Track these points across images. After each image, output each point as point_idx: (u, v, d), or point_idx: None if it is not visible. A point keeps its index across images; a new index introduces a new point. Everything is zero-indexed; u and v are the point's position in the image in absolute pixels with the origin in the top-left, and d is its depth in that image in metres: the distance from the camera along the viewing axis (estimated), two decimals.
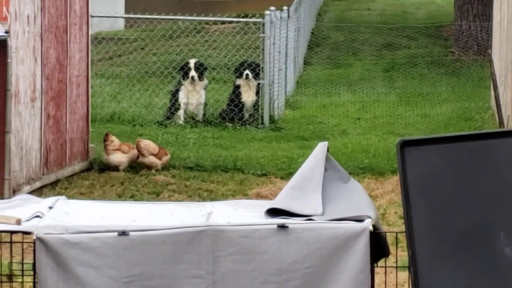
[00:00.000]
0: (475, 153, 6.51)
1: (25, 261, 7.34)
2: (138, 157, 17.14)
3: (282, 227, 6.21)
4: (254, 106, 22.54)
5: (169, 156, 17.15)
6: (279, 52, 24.27)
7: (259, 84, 22.63)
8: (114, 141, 17.11)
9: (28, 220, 6.57)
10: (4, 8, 14.04)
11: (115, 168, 16.63)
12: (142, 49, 30.82)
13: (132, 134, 19.28)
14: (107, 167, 16.78)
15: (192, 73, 22.37)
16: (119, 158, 16.76)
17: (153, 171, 16.85)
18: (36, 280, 6.36)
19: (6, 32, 13.79)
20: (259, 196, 10.91)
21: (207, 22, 28.61)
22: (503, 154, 6.48)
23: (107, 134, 17.50)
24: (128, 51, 30.69)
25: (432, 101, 24.36)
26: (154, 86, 25.68)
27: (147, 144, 17.10)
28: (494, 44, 21.55)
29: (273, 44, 23.41)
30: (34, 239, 6.20)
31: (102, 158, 17.47)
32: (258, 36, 24.48)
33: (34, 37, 15.44)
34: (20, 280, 8.11)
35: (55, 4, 16.37)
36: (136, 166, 16.33)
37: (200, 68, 22.63)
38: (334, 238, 6.19)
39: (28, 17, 15.12)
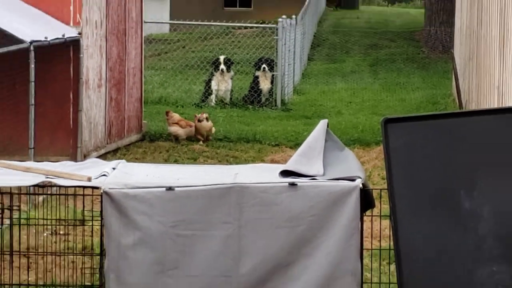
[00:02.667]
0: (441, 129, 6.52)
1: (94, 209, 7.44)
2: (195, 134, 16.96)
3: (292, 184, 6.28)
4: (269, 92, 22.67)
5: (192, 128, 16.81)
6: (289, 50, 24.58)
7: (273, 75, 22.71)
8: (174, 116, 16.98)
9: (97, 178, 6.69)
10: (78, 15, 14.11)
11: (174, 139, 16.59)
12: (183, 47, 31.27)
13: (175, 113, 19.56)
14: (162, 138, 16.83)
15: (222, 66, 22.45)
16: (176, 130, 16.66)
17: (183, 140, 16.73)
18: (102, 224, 6.50)
19: (79, 33, 13.89)
20: (273, 161, 10.88)
21: (233, 27, 28.89)
22: (461, 130, 6.51)
23: (167, 112, 17.45)
24: (172, 49, 31.18)
25: (407, 89, 24.75)
26: (192, 76, 25.80)
27: (173, 116, 17.07)
28: (455, 45, 21.94)
29: (284, 44, 23.65)
30: (101, 193, 6.31)
31: (156, 131, 17.53)
32: (272, 38, 24.62)
33: (100, 38, 15.56)
34: (90, 224, 8.23)
35: (117, 12, 16.49)
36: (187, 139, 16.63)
37: (228, 63, 22.74)
38: (332, 193, 6.25)
39: (96, 22, 15.20)
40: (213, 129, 16.98)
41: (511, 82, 10.77)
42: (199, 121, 16.72)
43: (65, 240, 8.96)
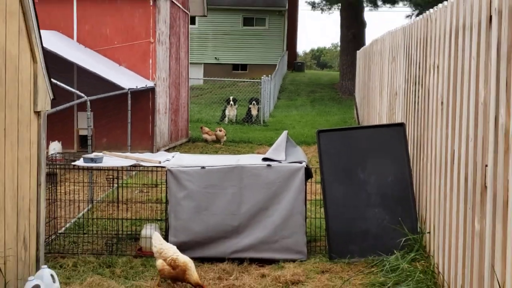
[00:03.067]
0: (347, 135, 7.67)
1: (162, 179, 8.42)
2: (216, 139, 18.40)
3: (268, 165, 7.16)
4: (256, 116, 24.25)
5: (214, 136, 18.25)
6: (267, 94, 26.31)
7: (258, 107, 24.58)
8: (205, 129, 18.36)
9: (164, 161, 7.51)
10: (154, 74, 14.93)
11: (205, 141, 18.35)
12: (210, 92, 32.64)
13: (200, 124, 20.88)
14: (199, 141, 18.61)
15: (231, 101, 24.27)
16: (206, 137, 18.05)
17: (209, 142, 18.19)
18: (166, 187, 7.23)
19: (154, 84, 14.87)
20: (259, 153, 10.05)
21: (237, 81, 30.74)
22: (358, 136, 7.69)
23: (201, 127, 19.16)
24: (204, 93, 33.08)
25: (330, 114, 26.29)
26: (215, 107, 27.50)
27: (204, 128, 18.45)
28: (356, 91, 22.06)
29: (265, 90, 25.84)
30: (166, 170, 7.17)
31: (196, 137, 19.20)
32: (258, 87, 26.30)
33: (165, 87, 16.47)
34: (160, 186, 9.22)
35: (174, 73, 17.45)
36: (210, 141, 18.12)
37: (234, 100, 24.44)
38: (290, 170, 7.12)
39: (163, 78, 16.03)
40: (225, 137, 18.25)
41: (384, 111, 11.46)
42: (219, 131, 18.16)
43: (147, 195, 10.05)
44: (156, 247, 6.35)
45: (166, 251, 6.25)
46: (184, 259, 6.16)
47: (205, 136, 18.30)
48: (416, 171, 7.47)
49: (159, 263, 6.23)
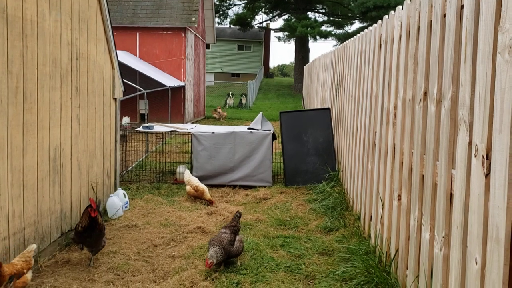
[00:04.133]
0: (297, 115, 7.36)
1: (188, 140, 8.43)
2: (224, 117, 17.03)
3: (251, 132, 6.98)
4: (245, 103, 23.31)
5: (221, 115, 17.09)
6: (251, 91, 25.34)
7: (246, 98, 23.63)
8: (218, 109, 17.41)
9: (190, 129, 7.41)
10: (184, 77, 14.73)
11: (215, 119, 17.03)
12: (218, 89, 31.15)
13: (213, 107, 20.24)
14: (211, 118, 17.54)
15: (230, 95, 23.70)
16: (215, 115, 17.10)
17: (219, 118, 17.30)
18: (191, 144, 7.02)
19: (184, 84, 14.54)
20: (246, 125, 10.93)
21: (233, 83, 30.28)
22: (303, 115, 7.36)
23: (216, 108, 17.81)
24: (214, 90, 31.26)
25: (287, 103, 24.66)
26: (221, 98, 26.32)
27: (218, 110, 17.44)
28: (304, 90, 20.25)
29: (250, 89, 24.79)
30: (191, 134, 7.02)
31: (208, 116, 18.26)
32: (246, 87, 25.63)
33: (191, 85, 15.97)
34: (188, 143, 9.15)
35: (196, 77, 16.70)
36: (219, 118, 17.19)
37: (232, 94, 23.90)
38: (263, 134, 6.99)
39: (190, 80, 15.63)
40: (226, 115, 17.53)
41: (319, 101, 10.93)
42: (222, 113, 17.36)
43: (180, 148, 9.70)
44: (186, 179, 6.34)
45: (192, 181, 6.24)
46: (202, 186, 6.14)
47: (214, 115, 17.67)
48: (336, 135, 7.36)
49: (188, 188, 6.22)
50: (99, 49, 5.16)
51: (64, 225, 4.42)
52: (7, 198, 3.40)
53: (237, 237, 3.98)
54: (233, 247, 3.85)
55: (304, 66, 23.29)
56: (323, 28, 31.59)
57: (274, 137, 7.19)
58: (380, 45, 4.22)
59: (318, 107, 11.03)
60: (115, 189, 5.88)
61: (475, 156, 1.93)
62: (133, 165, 8.14)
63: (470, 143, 2.02)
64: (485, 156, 1.83)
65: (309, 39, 34.06)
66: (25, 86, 3.60)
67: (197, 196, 6.11)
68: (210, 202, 5.99)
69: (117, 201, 5.38)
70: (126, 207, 5.68)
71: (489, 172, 1.80)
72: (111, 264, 3.93)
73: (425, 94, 2.78)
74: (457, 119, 2.23)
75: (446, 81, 2.39)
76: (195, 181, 6.19)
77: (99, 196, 5.27)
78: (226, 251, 3.78)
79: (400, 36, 3.42)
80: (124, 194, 5.69)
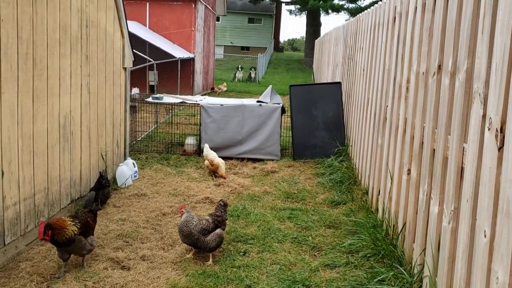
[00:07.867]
0: (308, 88, 7.29)
1: (197, 111, 7.98)
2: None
3: (260, 105, 6.91)
4: (254, 77, 22.96)
5: (225, 88, 16.96)
6: (261, 65, 24.90)
7: (255, 72, 23.22)
8: (221, 86, 17.12)
9: (198, 100, 7.42)
10: (193, 49, 14.61)
11: (222, 91, 16.77)
12: (227, 63, 30.62)
13: (221, 82, 19.81)
14: (216, 91, 17.01)
15: (239, 69, 23.23)
16: (222, 88, 16.86)
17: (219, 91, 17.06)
18: (200, 115, 6.97)
19: (194, 55, 14.43)
20: (255, 98, 10.84)
21: (243, 57, 29.88)
22: (314, 88, 7.29)
23: (213, 88, 17.65)
24: (224, 63, 30.79)
25: (298, 77, 24.21)
26: (230, 72, 25.99)
27: (220, 87, 17.01)
28: (314, 64, 21.06)
29: (259, 63, 24.29)
30: (200, 106, 6.96)
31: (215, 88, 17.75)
32: (256, 60, 25.00)
33: (201, 57, 15.92)
34: (197, 115, 8.57)
35: (206, 49, 16.61)
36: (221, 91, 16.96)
37: (241, 68, 23.50)
38: (272, 107, 6.89)
39: (199, 52, 15.86)
40: (225, 88, 17.10)
41: (329, 75, 10.88)
42: (223, 86, 17.04)
43: (189, 120, 9.62)
44: (204, 153, 6.30)
45: (209, 155, 6.22)
46: (218, 161, 6.10)
47: (221, 88, 17.32)
48: (346, 110, 7.31)
49: (206, 162, 6.18)
50: (109, 17, 5.11)
51: (74, 192, 4.47)
52: (17, 164, 3.42)
53: (217, 230, 3.48)
54: (205, 237, 3.39)
55: (315, 40, 23.11)
56: (336, 1, 30.93)
57: (283, 110, 7.09)
58: (395, 17, 4.15)
59: (329, 81, 10.94)
60: (125, 159, 5.89)
61: (489, 129, 1.90)
62: (142, 136, 8.10)
63: (484, 116, 1.99)
64: (499, 129, 1.80)
65: (321, 12, 33.46)
66: (35, 52, 3.59)
67: (212, 170, 6.07)
68: (222, 178, 5.95)
69: (126, 170, 5.41)
70: (135, 176, 5.70)
71: (503, 145, 1.77)
72: (120, 231, 3.99)
73: (439, 67, 2.75)
74: (472, 92, 2.20)
75: (461, 53, 2.35)
76: (211, 155, 6.11)
77: (108, 164, 5.28)
78: (192, 238, 3.35)
79: (416, 8, 3.37)
80: (133, 163, 5.72)
